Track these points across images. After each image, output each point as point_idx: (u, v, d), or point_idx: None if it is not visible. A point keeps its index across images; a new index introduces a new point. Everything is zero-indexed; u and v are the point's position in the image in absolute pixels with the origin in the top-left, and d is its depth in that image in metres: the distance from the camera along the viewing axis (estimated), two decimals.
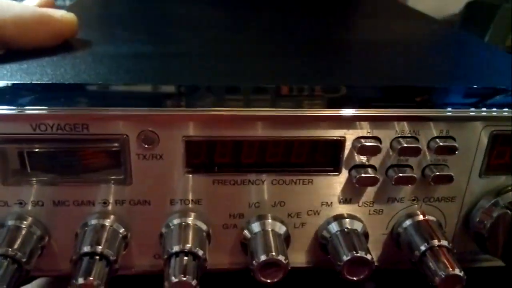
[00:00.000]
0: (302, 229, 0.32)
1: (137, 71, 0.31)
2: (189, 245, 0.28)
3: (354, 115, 0.29)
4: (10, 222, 0.29)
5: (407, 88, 0.30)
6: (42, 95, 0.27)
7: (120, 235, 0.30)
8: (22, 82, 0.27)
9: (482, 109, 0.29)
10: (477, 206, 0.32)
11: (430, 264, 0.29)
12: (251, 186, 0.30)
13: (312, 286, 0.36)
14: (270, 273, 0.29)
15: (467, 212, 0.33)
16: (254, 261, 0.28)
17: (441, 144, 0.29)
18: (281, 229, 0.31)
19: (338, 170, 0.30)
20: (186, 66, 0.33)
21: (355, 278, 0.29)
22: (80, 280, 0.26)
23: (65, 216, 0.30)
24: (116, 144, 0.28)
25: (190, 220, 0.30)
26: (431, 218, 0.32)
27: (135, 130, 0.28)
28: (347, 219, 0.31)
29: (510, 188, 0.32)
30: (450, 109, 0.29)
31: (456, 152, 0.29)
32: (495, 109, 0.30)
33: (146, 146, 0.28)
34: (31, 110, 0.27)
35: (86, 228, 0.29)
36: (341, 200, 0.31)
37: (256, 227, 0.31)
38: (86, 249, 0.28)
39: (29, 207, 0.29)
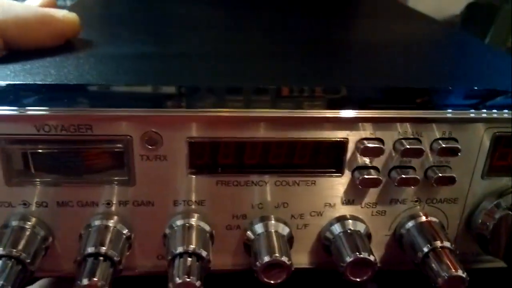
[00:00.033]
0: (305, 230, 0.32)
1: (140, 72, 0.31)
2: (193, 246, 0.28)
3: (357, 117, 0.29)
4: (14, 223, 0.29)
5: (410, 89, 0.30)
6: (46, 96, 0.27)
7: (124, 236, 0.30)
8: (26, 82, 0.27)
9: (485, 110, 0.30)
10: (479, 208, 0.32)
11: (433, 265, 0.29)
12: (254, 187, 0.30)
13: (314, 287, 0.36)
14: (274, 274, 0.29)
15: (469, 213, 0.33)
16: (257, 262, 0.29)
17: (444, 145, 0.29)
18: (284, 230, 0.31)
19: (341, 171, 0.30)
20: (190, 67, 0.33)
21: (358, 279, 0.29)
22: (85, 281, 0.26)
23: (68, 216, 0.30)
24: (119, 145, 0.28)
25: (193, 221, 0.30)
26: (433, 219, 0.32)
27: (139, 131, 0.28)
28: (350, 220, 0.31)
29: None
30: (452, 110, 0.29)
31: (459, 154, 0.30)
32: (497, 110, 0.30)
33: (150, 147, 0.28)
34: (35, 111, 0.27)
35: (90, 229, 0.29)
36: (344, 201, 0.31)
37: (259, 228, 0.31)
38: (90, 250, 0.28)
39: (33, 207, 0.29)
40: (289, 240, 0.31)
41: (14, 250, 0.27)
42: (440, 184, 0.30)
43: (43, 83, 0.28)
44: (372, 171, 0.30)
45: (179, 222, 0.30)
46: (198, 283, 0.27)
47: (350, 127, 0.29)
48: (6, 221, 0.29)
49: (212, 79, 0.31)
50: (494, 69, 0.37)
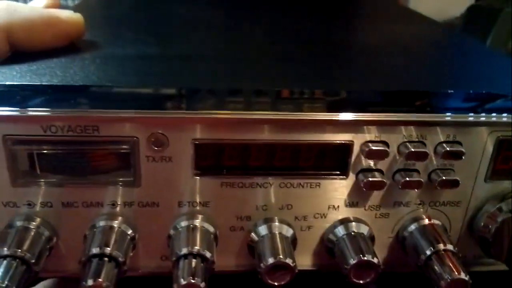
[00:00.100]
0: (309, 232, 0.32)
1: (146, 73, 0.31)
2: (197, 247, 0.28)
3: (362, 120, 0.29)
4: (19, 223, 0.29)
5: (414, 93, 0.30)
6: (53, 97, 0.27)
7: (128, 237, 0.30)
8: (32, 83, 0.27)
9: (489, 114, 0.30)
10: (482, 211, 0.32)
11: (436, 268, 0.29)
12: (258, 189, 0.31)
13: None
14: (278, 276, 0.29)
15: (472, 216, 0.33)
16: (262, 264, 0.29)
17: (448, 149, 0.29)
18: (288, 232, 0.31)
19: (345, 174, 0.30)
20: (197, 68, 0.33)
21: (361, 282, 0.30)
22: (90, 282, 0.26)
23: (73, 217, 0.30)
24: (126, 146, 0.28)
25: (197, 222, 0.30)
26: (436, 222, 0.32)
27: (145, 133, 0.28)
28: (353, 223, 0.32)
29: None
30: (457, 114, 0.30)
31: (463, 157, 0.30)
32: (502, 114, 0.30)
33: (156, 148, 0.28)
34: (41, 112, 0.27)
35: (94, 230, 0.29)
36: (348, 204, 0.32)
37: (263, 230, 0.31)
38: (95, 250, 0.28)
39: (38, 208, 0.29)
40: (293, 242, 0.31)
41: (19, 250, 0.27)
42: (443, 187, 0.30)
43: (50, 84, 0.27)
44: (376, 173, 0.30)
45: (183, 223, 0.30)
46: (202, 285, 0.27)
47: (355, 129, 0.29)
48: (11, 221, 0.29)
49: (218, 81, 0.31)
50: (496, 72, 0.37)
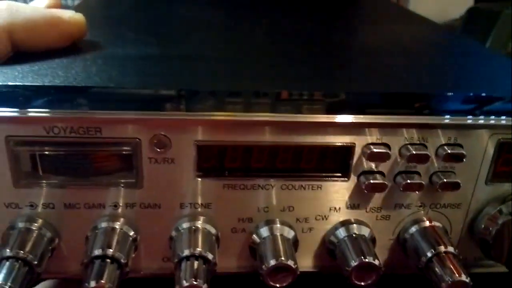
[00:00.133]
0: (310, 234, 0.32)
1: (149, 74, 0.31)
2: (199, 249, 0.28)
3: (363, 122, 0.29)
4: (21, 224, 0.29)
5: (416, 95, 0.30)
6: (55, 98, 0.27)
7: (130, 238, 0.30)
8: (35, 84, 0.27)
9: (490, 117, 0.30)
10: (482, 213, 0.33)
11: (437, 270, 0.30)
12: (260, 191, 0.31)
13: None
14: (280, 277, 0.29)
15: (472, 218, 0.33)
16: (263, 266, 0.29)
17: (449, 151, 0.30)
18: (290, 233, 0.31)
19: (347, 176, 0.31)
20: (199, 69, 0.33)
21: (362, 283, 0.30)
22: (92, 283, 0.26)
23: (75, 218, 0.30)
24: (128, 148, 0.28)
25: (199, 223, 0.30)
26: (437, 224, 0.32)
27: (148, 134, 0.28)
28: (354, 225, 0.32)
29: None
30: (458, 117, 0.30)
31: (464, 160, 0.30)
32: (502, 117, 0.30)
33: (158, 150, 0.28)
34: (44, 113, 0.27)
35: (96, 231, 0.29)
36: (349, 206, 0.32)
37: (264, 231, 0.31)
38: (97, 252, 0.28)
39: (40, 209, 0.29)
40: (294, 244, 0.31)
41: (21, 251, 0.27)
42: (444, 190, 0.31)
43: (52, 84, 0.27)
44: (378, 176, 0.30)
45: (185, 225, 0.30)
46: (204, 286, 0.27)
47: (357, 132, 0.29)
48: (13, 222, 0.29)
49: (221, 83, 0.31)
50: (497, 74, 0.37)
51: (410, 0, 0.86)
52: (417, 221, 0.32)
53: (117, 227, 0.30)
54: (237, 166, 0.30)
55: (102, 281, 0.26)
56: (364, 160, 0.30)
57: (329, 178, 0.31)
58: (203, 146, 0.29)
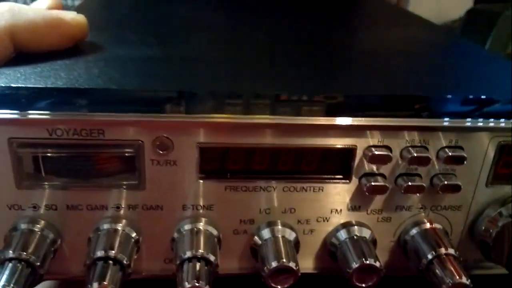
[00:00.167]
0: (311, 235, 0.32)
1: (151, 75, 0.31)
2: (201, 251, 0.29)
3: (365, 124, 0.29)
4: (23, 226, 0.29)
5: (418, 97, 0.30)
6: (58, 100, 0.27)
7: (132, 240, 0.30)
8: (37, 86, 0.27)
9: (491, 119, 0.30)
10: (483, 215, 0.33)
11: (437, 272, 0.30)
12: (262, 193, 0.31)
13: None
14: (281, 279, 0.29)
15: (473, 220, 0.33)
16: (265, 268, 0.29)
17: (450, 154, 0.30)
18: (291, 235, 0.31)
19: (348, 178, 0.31)
20: (202, 71, 0.33)
21: (363, 285, 0.30)
22: (95, 285, 0.26)
23: (77, 220, 0.30)
24: (131, 150, 0.28)
25: (201, 225, 0.30)
26: (438, 226, 0.32)
27: (151, 136, 0.28)
28: (355, 226, 0.32)
29: None
30: (459, 119, 0.30)
31: (465, 162, 0.30)
32: (502, 120, 0.30)
33: (161, 152, 0.28)
34: (46, 115, 0.27)
35: (99, 233, 0.29)
36: (350, 208, 0.32)
37: (266, 233, 0.31)
38: (100, 253, 0.28)
39: (42, 210, 0.29)
40: (296, 246, 0.31)
41: (24, 253, 0.27)
42: (445, 192, 0.31)
43: (55, 86, 0.27)
44: (379, 178, 0.30)
45: (187, 227, 0.30)
46: None
47: (358, 134, 0.29)
48: (15, 224, 0.29)
49: (223, 84, 0.31)
50: (497, 76, 0.37)
51: (409, 1, 0.86)
52: (417, 223, 0.32)
53: (119, 228, 0.30)
54: (239, 168, 0.30)
55: (105, 283, 0.26)
56: (365, 162, 0.30)
57: (331, 180, 0.31)
58: (206, 148, 0.29)
